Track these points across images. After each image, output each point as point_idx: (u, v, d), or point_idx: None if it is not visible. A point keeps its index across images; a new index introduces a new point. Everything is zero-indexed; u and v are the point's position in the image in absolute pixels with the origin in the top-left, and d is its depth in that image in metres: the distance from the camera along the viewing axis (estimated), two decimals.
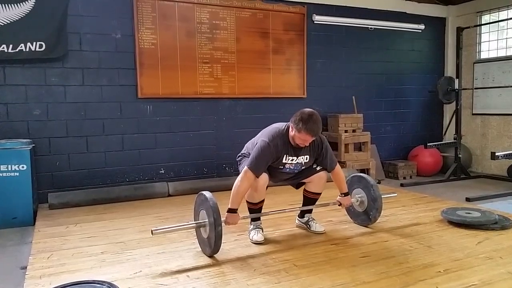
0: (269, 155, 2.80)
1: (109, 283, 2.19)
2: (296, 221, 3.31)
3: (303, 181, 3.12)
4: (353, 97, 5.98)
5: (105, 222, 3.58)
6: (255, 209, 2.98)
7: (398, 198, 4.27)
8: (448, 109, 6.85)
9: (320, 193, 3.15)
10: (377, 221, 3.38)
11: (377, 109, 6.37)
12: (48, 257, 2.72)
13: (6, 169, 3.84)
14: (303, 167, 2.99)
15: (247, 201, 2.97)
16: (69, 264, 2.59)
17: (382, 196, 3.17)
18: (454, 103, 6.32)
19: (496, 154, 4.95)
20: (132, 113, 4.82)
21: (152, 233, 2.59)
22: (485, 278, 2.24)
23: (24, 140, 4.09)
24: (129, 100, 4.79)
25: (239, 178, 2.80)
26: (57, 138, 4.50)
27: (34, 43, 4.21)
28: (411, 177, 6.23)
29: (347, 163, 5.58)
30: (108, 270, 2.48)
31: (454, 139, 6.19)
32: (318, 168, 3.05)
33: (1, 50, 4.11)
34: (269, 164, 2.86)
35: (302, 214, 3.25)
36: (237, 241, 2.96)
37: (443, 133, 6.88)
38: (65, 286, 2.18)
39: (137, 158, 4.87)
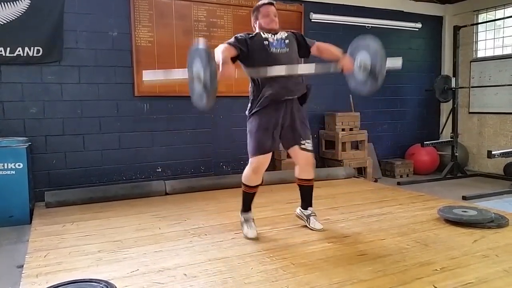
0: (240, 37, 2.87)
1: (106, 281, 2.18)
2: (298, 210, 3.27)
3: (289, 143, 3.02)
4: (350, 95, 5.99)
5: (102, 220, 3.57)
6: (250, 193, 2.99)
7: (395, 196, 4.30)
8: (445, 108, 6.87)
9: (312, 179, 3.12)
10: (374, 219, 3.40)
11: (374, 108, 6.37)
12: (45, 256, 2.71)
13: (2, 168, 3.83)
14: (288, 42, 2.93)
15: (243, 184, 2.98)
16: (65, 263, 2.58)
17: (388, 60, 2.76)
18: (451, 101, 6.35)
19: (493, 152, 4.97)
20: (129, 111, 4.81)
21: (143, 81, 2.71)
22: (482, 276, 2.25)
23: (21, 138, 4.07)
24: (125, 98, 4.78)
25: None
26: (54, 136, 4.48)
27: (32, 48, 4.22)
28: (408, 175, 6.25)
29: (344, 161, 5.59)
30: (105, 269, 2.47)
31: (451, 137, 6.21)
32: (302, 146, 2.97)
33: None
34: (245, 44, 2.83)
35: (305, 206, 3.22)
36: (234, 239, 2.96)
37: (440, 131, 6.90)
38: (62, 285, 2.17)
39: (134, 156, 4.86)
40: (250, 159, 2.92)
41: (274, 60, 2.84)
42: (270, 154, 2.92)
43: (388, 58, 2.78)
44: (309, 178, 3.12)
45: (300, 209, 3.27)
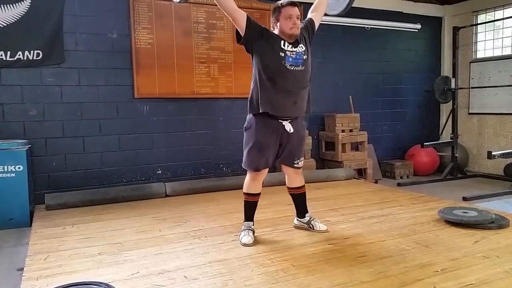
0: (259, 25, 2.76)
1: (106, 284, 2.18)
2: (295, 221, 3.27)
3: (283, 162, 3.02)
4: (350, 96, 5.99)
5: (102, 223, 3.57)
6: (251, 201, 2.97)
7: (396, 197, 4.29)
8: (445, 109, 6.87)
9: (303, 186, 3.14)
10: (374, 220, 3.40)
11: (374, 109, 6.38)
12: (45, 259, 2.71)
13: (2, 170, 3.83)
14: (305, 58, 2.80)
15: (244, 193, 2.97)
16: (66, 266, 2.58)
17: None
18: (450, 102, 6.35)
19: (493, 153, 4.97)
20: (129, 113, 4.80)
21: None
22: (482, 277, 2.25)
23: (20, 141, 4.08)
24: (125, 100, 4.77)
25: None
26: (54, 139, 4.48)
27: (32, 51, 4.23)
28: (408, 176, 6.25)
29: (344, 162, 5.59)
30: (105, 271, 2.46)
31: (451, 138, 6.21)
32: (296, 165, 3.00)
33: None
34: (258, 30, 2.73)
35: (301, 214, 3.21)
36: (234, 241, 2.96)
37: (440, 132, 6.90)
38: None
39: (134, 158, 4.86)
40: (247, 170, 2.90)
41: (286, 75, 2.74)
42: (265, 170, 2.90)
43: None
44: (300, 185, 3.14)
45: (297, 219, 3.25)
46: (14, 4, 4.14)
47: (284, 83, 2.75)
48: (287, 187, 3.18)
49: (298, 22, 2.76)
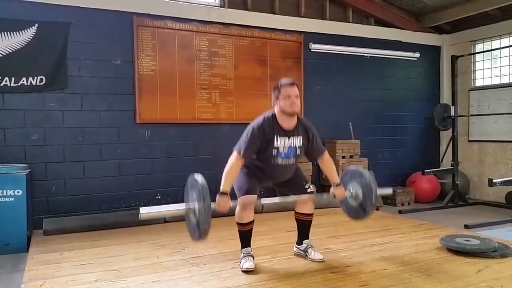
0: (256, 137, 2.80)
1: None
2: (294, 248, 3.25)
3: (294, 193, 3.07)
4: (350, 123, 6.02)
5: (100, 248, 3.53)
6: (245, 231, 2.96)
7: (397, 225, 4.25)
8: (445, 136, 6.88)
9: (311, 214, 3.14)
10: (376, 248, 3.35)
11: (374, 136, 6.40)
12: (40, 285, 2.66)
13: (1, 194, 3.81)
14: (298, 153, 2.93)
15: (237, 223, 2.97)
16: None
17: (378, 191, 3.07)
18: (450, 130, 6.37)
19: (494, 181, 4.94)
20: (130, 138, 4.82)
21: (140, 217, 2.57)
22: None
23: (21, 165, 4.07)
24: (127, 125, 4.80)
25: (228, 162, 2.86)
26: (54, 163, 4.48)
27: (36, 77, 4.30)
28: (409, 203, 6.19)
29: None
30: None
31: (451, 165, 6.19)
32: (309, 190, 3.05)
33: (4, 84, 4.19)
34: (258, 146, 2.82)
35: (300, 241, 3.20)
36: (234, 269, 2.92)
37: (440, 159, 6.89)
38: None
39: (134, 183, 4.85)
40: (237, 197, 2.93)
41: (275, 167, 2.91)
42: (255, 195, 2.92)
43: (378, 189, 3.07)
44: (309, 212, 3.14)
45: (296, 246, 3.25)
46: (20, 31, 4.23)
47: (271, 173, 2.97)
48: (295, 212, 3.16)
49: (297, 101, 2.84)
